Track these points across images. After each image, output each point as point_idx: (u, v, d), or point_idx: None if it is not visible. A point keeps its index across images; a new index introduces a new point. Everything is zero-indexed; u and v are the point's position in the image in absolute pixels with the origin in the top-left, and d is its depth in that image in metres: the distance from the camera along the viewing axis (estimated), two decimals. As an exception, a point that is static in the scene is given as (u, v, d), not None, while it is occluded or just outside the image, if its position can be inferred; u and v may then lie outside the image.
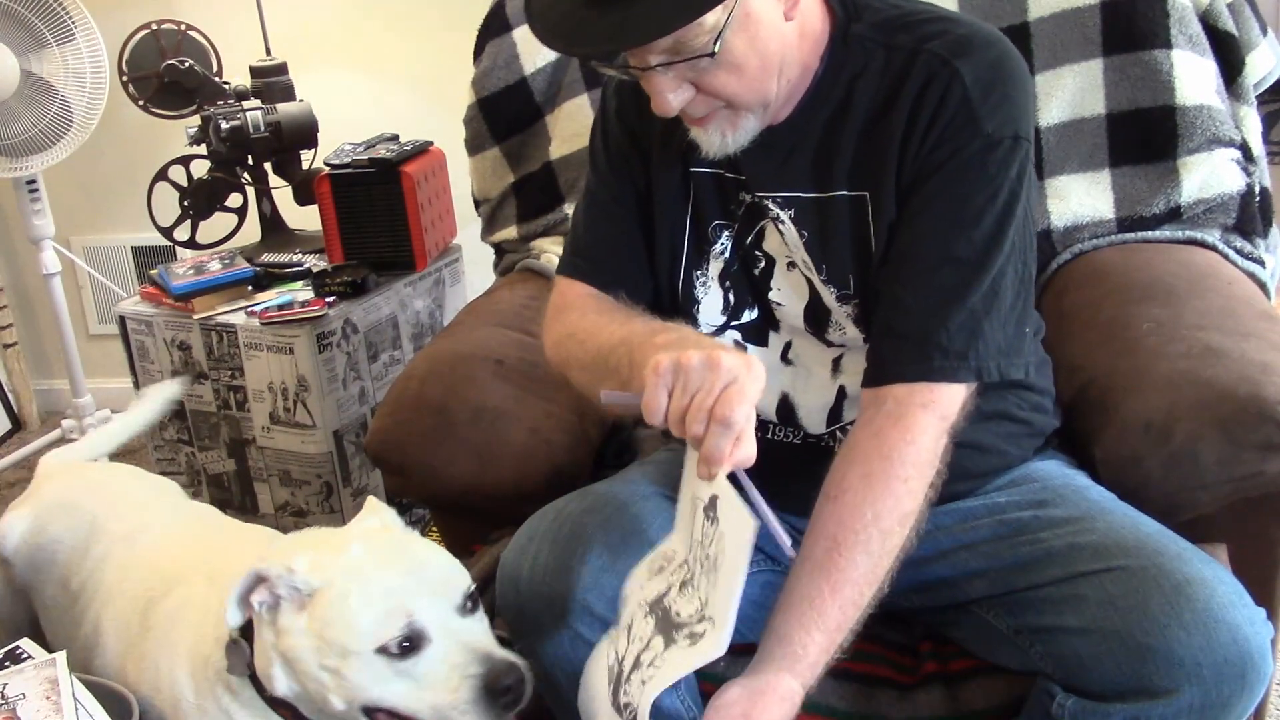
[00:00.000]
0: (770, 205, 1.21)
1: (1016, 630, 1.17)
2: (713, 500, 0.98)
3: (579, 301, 1.28)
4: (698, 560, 1.02)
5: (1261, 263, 1.67)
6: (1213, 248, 1.65)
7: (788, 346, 1.26)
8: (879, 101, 1.15)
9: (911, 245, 1.13)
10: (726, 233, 1.26)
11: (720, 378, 0.95)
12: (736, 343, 1.27)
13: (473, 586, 1.18)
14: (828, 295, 1.21)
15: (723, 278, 1.26)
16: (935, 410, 1.10)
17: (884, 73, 1.15)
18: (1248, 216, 1.69)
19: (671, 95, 1.09)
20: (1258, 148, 1.72)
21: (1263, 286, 1.63)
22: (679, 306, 1.28)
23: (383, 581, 1.13)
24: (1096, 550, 1.12)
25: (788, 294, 1.24)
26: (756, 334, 1.27)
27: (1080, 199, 1.70)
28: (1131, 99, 1.68)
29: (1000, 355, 1.12)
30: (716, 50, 1.05)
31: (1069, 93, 1.71)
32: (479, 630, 1.16)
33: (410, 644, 1.10)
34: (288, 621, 1.14)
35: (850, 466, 1.09)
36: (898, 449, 1.08)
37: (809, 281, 1.22)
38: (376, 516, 1.25)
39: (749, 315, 1.27)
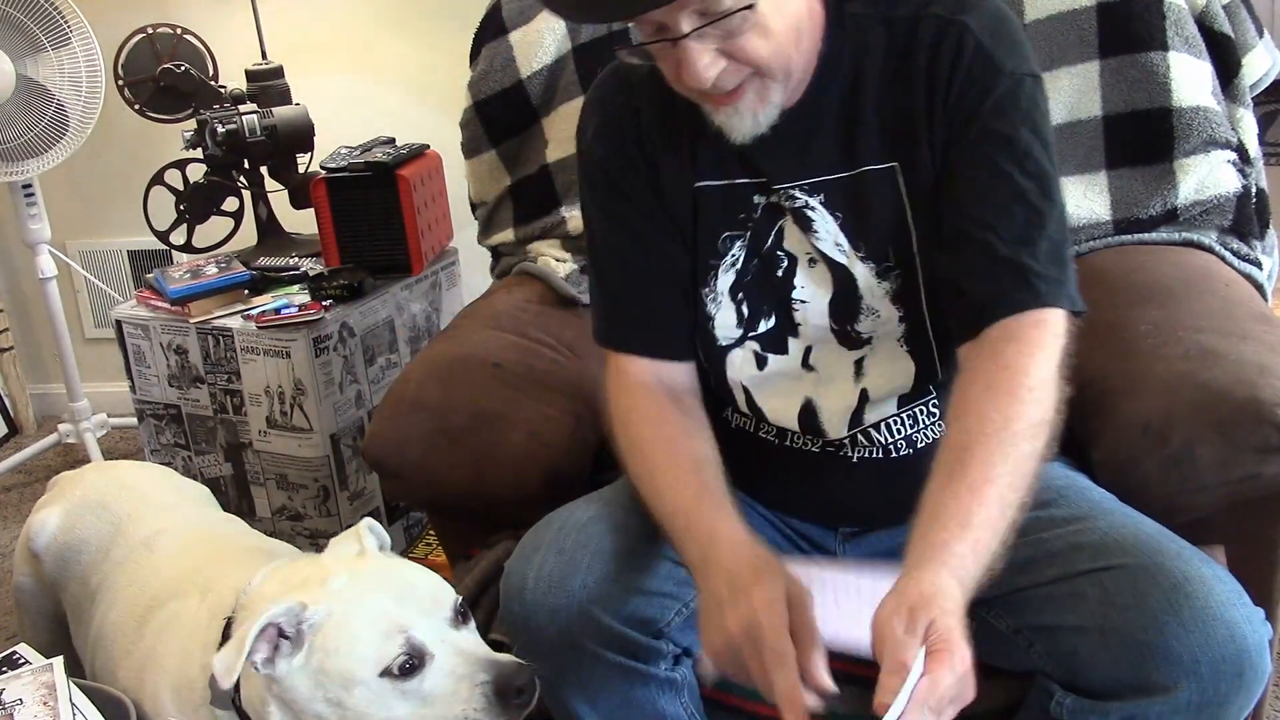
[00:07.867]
0: (797, 195, 1.20)
1: (1016, 630, 1.17)
2: None
3: (638, 391, 1.26)
4: None
5: (1258, 264, 1.67)
6: (1209, 250, 1.65)
7: (808, 352, 1.24)
8: (890, 74, 1.15)
9: (975, 193, 1.12)
10: (739, 242, 1.23)
11: (760, 634, 0.98)
12: (756, 354, 1.25)
13: (460, 600, 1.18)
14: (865, 276, 1.19)
15: (734, 290, 1.24)
16: (1048, 329, 1.08)
17: (889, 46, 1.16)
18: (1244, 218, 1.69)
19: (705, 63, 1.06)
20: (1254, 149, 1.72)
21: (1259, 288, 1.63)
22: (697, 324, 1.26)
23: (375, 605, 1.12)
24: (1096, 549, 1.13)
25: (811, 290, 1.22)
26: (775, 343, 1.25)
27: (1077, 201, 1.70)
28: (1128, 101, 1.68)
29: (1079, 287, 1.12)
30: (755, 2, 1.03)
31: (1066, 95, 1.71)
32: (474, 640, 1.17)
33: (412, 663, 1.10)
34: (284, 665, 1.12)
35: (971, 385, 1.07)
36: (1017, 360, 1.05)
37: (834, 273, 1.21)
38: (350, 543, 1.25)
39: (765, 325, 1.24)
